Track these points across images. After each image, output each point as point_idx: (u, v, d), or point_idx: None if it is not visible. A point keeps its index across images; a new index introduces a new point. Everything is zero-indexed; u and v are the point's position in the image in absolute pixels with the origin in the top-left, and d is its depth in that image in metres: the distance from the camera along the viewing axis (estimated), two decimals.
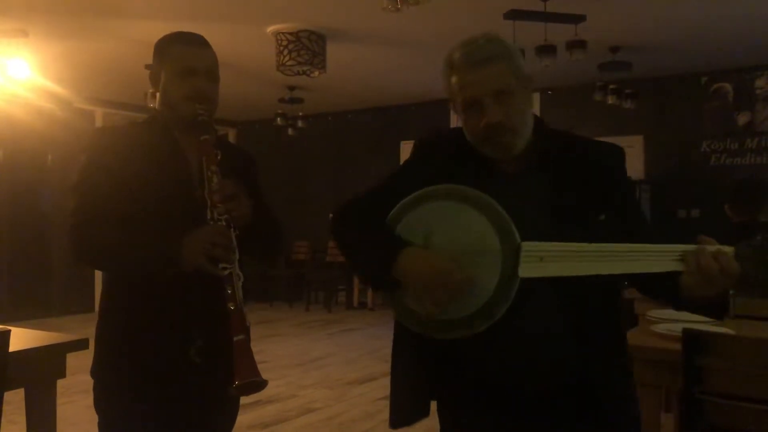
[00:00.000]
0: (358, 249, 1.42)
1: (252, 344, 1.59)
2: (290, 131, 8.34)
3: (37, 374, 2.16)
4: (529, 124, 1.39)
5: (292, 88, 7.84)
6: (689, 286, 1.23)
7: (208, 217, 1.58)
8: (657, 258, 1.24)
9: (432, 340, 1.34)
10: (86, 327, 2.33)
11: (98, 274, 8.58)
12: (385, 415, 4.40)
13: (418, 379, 1.46)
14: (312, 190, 9.51)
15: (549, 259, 1.24)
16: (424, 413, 1.46)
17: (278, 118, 8.17)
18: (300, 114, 8.19)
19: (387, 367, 5.31)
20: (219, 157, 1.63)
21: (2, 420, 1.91)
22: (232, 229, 1.58)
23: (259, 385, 1.51)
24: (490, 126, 1.32)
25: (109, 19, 5.31)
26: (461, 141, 1.41)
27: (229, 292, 1.54)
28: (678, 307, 1.42)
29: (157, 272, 1.57)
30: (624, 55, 6.23)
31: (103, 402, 1.69)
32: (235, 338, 1.51)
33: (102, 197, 1.60)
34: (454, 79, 1.36)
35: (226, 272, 1.54)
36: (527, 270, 1.23)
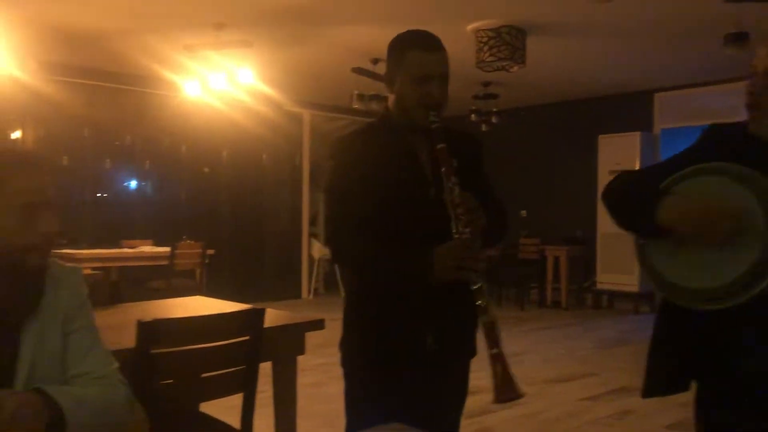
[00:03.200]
0: (624, 204, 1.47)
1: None
2: (484, 127, 8.38)
3: (283, 350, 2.40)
4: None
5: (486, 84, 7.88)
6: None
7: (453, 230, 1.61)
8: None
9: (697, 318, 1.36)
10: (296, 313, 2.60)
11: (305, 266, 9.24)
12: (589, 416, 4.27)
13: (677, 352, 1.47)
14: (505, 187, 9.42)
15: None
16: (682, 388, 1.48)
17: (472, 115, 8.25)
18: (494, 110, 8.21)
19: (586, 368, 5.22)
20: (455, 165, 1.65)
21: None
22: (478, 242, 1.61)
23: (519, 397, 1.57)
24: None
25: (322, 27, 5.71)
26: (744, 131, 1.44)
27: (482, 305, 1.57)
28: None
29: (407, 285, 1.68)
30: None
31: (348, 372, 1.83)
32: (491, 351, 1.55)
33: (350, 201, 1.71)
34: None
35: (477, 286, 1.58)
36: None
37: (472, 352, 1.87)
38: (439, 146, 1.66)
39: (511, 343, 6.25)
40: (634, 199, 1.43)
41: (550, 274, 8.56)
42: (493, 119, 8.24)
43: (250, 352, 2.11)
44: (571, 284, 8.55)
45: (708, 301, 1.30)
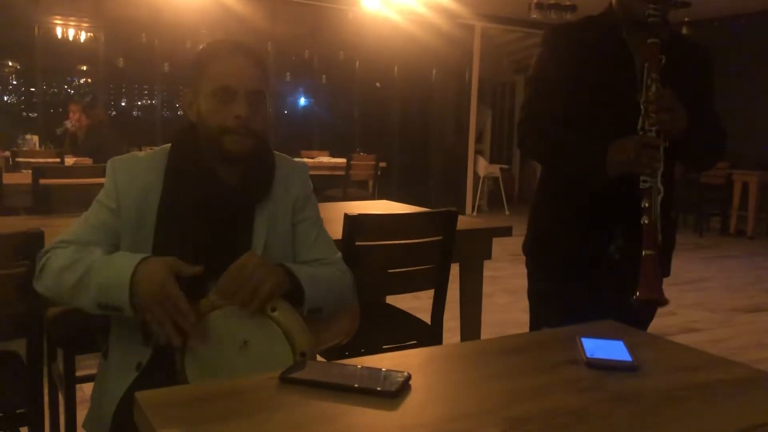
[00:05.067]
0: None
1: None
2: None
3: (471, 253, 2.47)
4: None
5: None
6: None
7: (639, 126, 1.56)
8: None
9: None
10: None
11: (470, 183, 9.28)
12: None
13: None
14: None
15: None
16: None
17: None
18: (686, 20, 7.52)
19: None
20: (663, 62, 1.57)
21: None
22: (661, 141, 1.54)
23: (659, 303, 1.53)
24: None
25: None
26: None
27: (646, 205, 1.54)
28: None
29: (585, 178, 1.66)
30: None
31: (534, 277, 1.89)
32: (644, 252, 1.52)
33: (551, 94, 1.69)
34: None
35: (647, 185, 1.54)
36: None
37: (666, 271, 1.81)
38: (651, 40, 1.58)
39: (690, 268, 5.96)
40: None
41: (737, 201, 7.93)
42: (684, 30, 7.56)
43: (444, 251, 2.19)
44: (759, 212, 7.88)
45: None
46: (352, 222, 2.01)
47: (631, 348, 1.13)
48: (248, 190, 1.45)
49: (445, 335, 2.32)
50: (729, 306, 4.67)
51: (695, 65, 1.75)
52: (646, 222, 1.53)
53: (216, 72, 1.37)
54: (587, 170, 1.63)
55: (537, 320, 1.87)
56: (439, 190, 9.16)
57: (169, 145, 1.46)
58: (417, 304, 2.49)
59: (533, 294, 1.90)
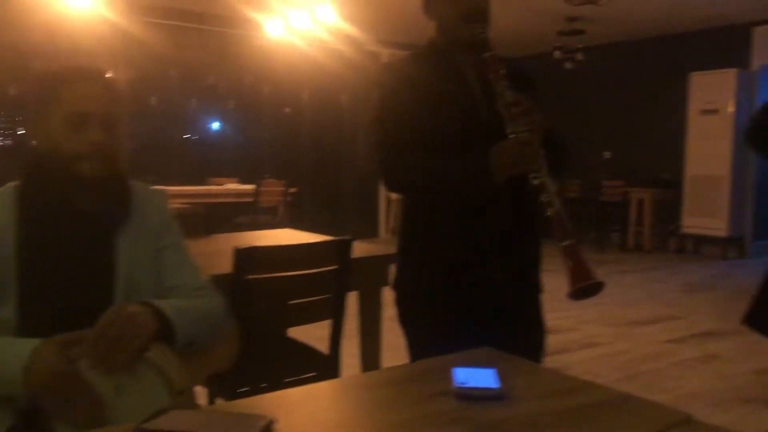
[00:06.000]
0: None
1: None
2: (568, 65, 8.10)
3: (368, 280, 2.47)
4: None
5: (572, 20, 7.57)
6: None
7: (509, 131, 1.55)
8: None
9: None
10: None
11: (383, 205, 9.34)
12: (673, 358, 4.19)
13: None
14: (589, 127, 9.16)
15: None
16: None
17: (556, 52, 7.97)
18: (580, 46, 7.90)
19: (671, 311, 5.09)
20: (503, 72, 1.60)
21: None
22: (535, 138, 1.53)
23: (597, 287, 1.45)
24: None
25: None
26: None
27: (545, 200, 1.49)
28: None
29: (472, 191, 1.62)
30: None
31: (405, 315, 1.82)
32: (561, 244, 1.47)
33: (400, 127, 1.67)
34: None
35: (537, 181, 1.50)
36: None
37: (538, 288, 1.83)
38: (487, 54, 1.62)
39: None
40: None
41: (634, 217, 8.34)
42: (578, 56, 7.95)
43: (339, 280, 2.19)
44: (654, 228, 8.31)
45: None
46: (243, 255, 1.98)
47: (502, 375, 1.15)
48: (107, 215, 1.40)
49: (350, 362, 2.30)
50: (627, 320, 4.87)
51: (523, 85, 1.73)
52: (550, 214, 1.49)
53: (67, 98, 1.33)
54: (474, 181, 1.59)
55: (418, 353, 1.79)
56: (352, 214, 9.17)
57: (15, 183, 1.40)
58: (322, 333, 2.46)
59: (412, 331, 1.82)
